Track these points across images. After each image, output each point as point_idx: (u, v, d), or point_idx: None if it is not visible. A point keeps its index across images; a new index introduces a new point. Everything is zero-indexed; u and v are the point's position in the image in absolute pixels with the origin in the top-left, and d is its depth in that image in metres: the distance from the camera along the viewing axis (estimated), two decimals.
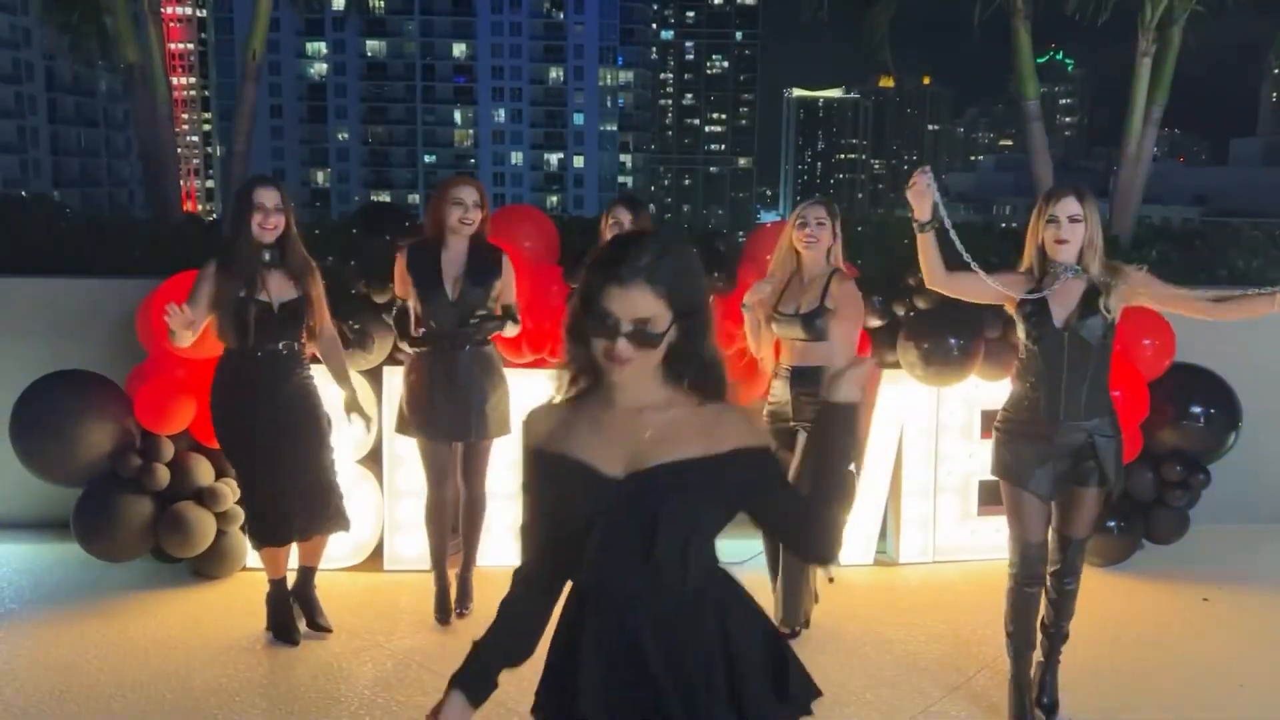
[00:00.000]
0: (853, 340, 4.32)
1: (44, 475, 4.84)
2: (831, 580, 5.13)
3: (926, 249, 3.60)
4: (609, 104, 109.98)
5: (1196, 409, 5.28)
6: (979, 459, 5.36)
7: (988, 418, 5.36)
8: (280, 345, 4.12)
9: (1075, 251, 3.51)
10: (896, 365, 5.24)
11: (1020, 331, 3.61)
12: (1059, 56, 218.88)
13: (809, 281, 4.28)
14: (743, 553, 5.38)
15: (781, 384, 4.32)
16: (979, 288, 3.62)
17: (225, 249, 4.10)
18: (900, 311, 5.22)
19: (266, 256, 4.07)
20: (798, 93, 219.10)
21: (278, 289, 4.10)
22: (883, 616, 4.73)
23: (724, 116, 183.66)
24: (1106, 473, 3.58)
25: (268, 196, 4.03)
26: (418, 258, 4.34)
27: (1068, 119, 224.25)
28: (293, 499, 4.17)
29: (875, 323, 5.23)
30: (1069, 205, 3.48)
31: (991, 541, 5.42)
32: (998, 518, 5.43)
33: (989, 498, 5.43)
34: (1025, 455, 3.60)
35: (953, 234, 3.56)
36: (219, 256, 4.09)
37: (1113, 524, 5.21)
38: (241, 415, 4.16)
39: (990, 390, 5.31)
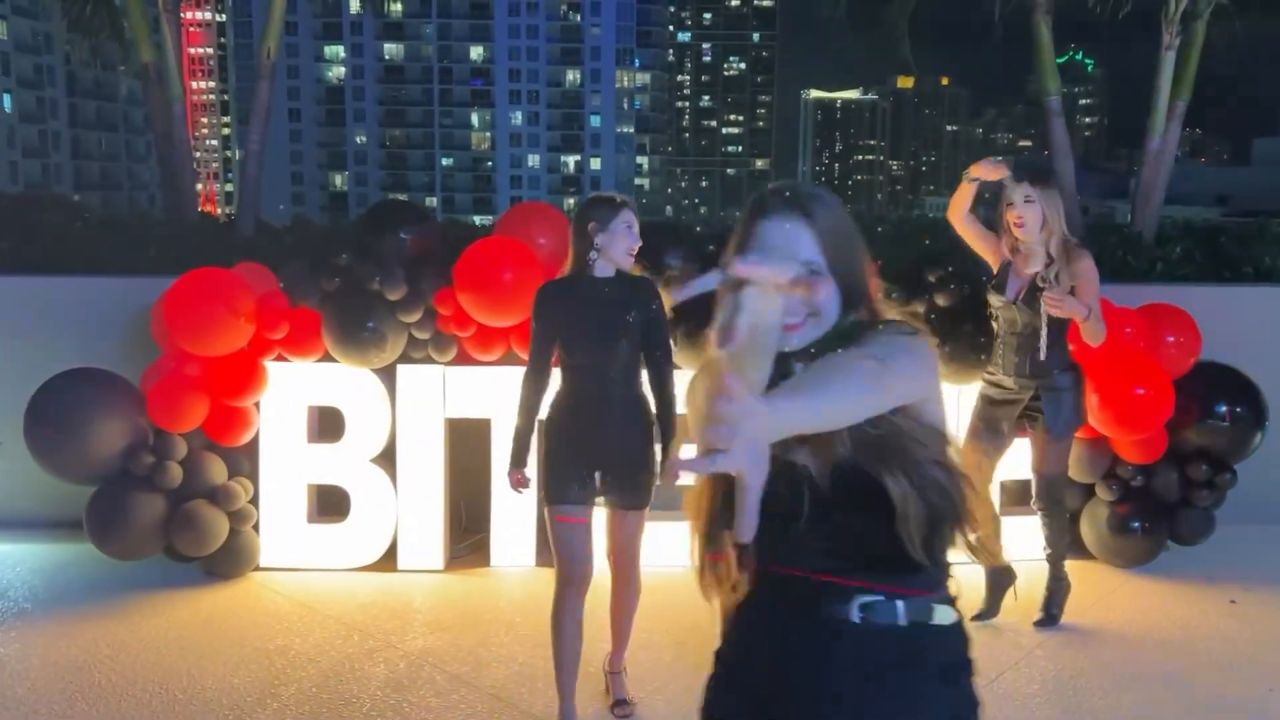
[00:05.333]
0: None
1: (57, 473, 4.82)
2: None
3: (965, 193, 4.29)
4: (626, 106, 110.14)
5: (1222, 408, 5.18)
6: (1001, 459, 5.26)
7: None
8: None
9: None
10: None
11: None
12: (1079, 57, 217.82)
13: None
14: None
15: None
16: (982, 241, 4.40)
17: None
18: (920, 309, 5.14)
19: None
20: (815, 94, 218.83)
21: None
22: None
23: (741, 118, 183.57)
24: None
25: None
26: None
27: (1088, 119, 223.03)
28: None
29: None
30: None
31: (1013, 543, 5.32)
32: (1019, 518, 5.36)
33: (1011, 499, 5.34)
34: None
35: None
36: None
37: (1137, 525, 5.12)
38: None
39: None
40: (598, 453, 3.49)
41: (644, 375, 3.60)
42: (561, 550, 3.52)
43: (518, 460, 3.63)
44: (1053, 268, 4.13)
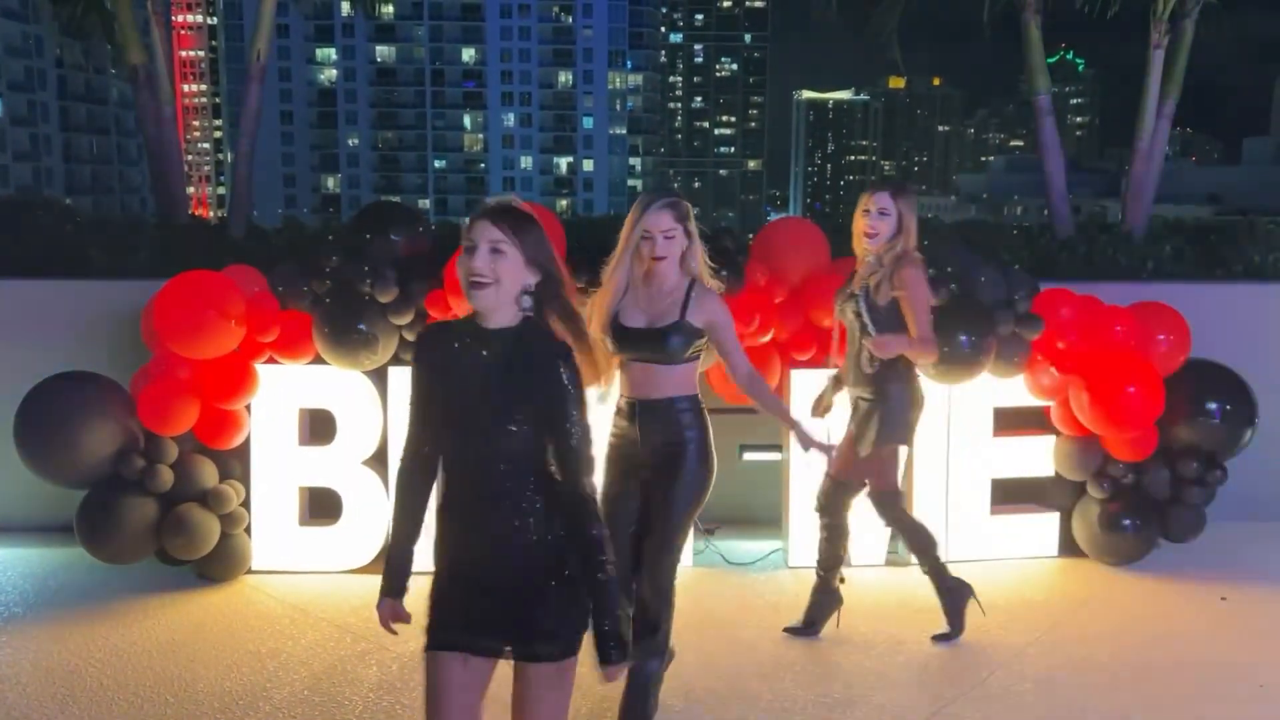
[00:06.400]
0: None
1: (47, 477, 4.81)
2: (843, 581, 5.06)
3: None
4: (618, 107, 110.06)
5: (1213, 405, 5.20)
6: (992, 458, 5.28)
7: (1001, 415, 5.30)
8: None
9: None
10: None
11: None
12: (1069, 56, 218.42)
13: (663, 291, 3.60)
14: (752, 554, 5.34)
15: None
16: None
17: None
18: None
19: None
20: (807, 95, 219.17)
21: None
22: (894, 617, 4.66)
23: (733, 119, 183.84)
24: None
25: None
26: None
27: (1078, 119, 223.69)
28: None
29: None
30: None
31: (1005, 542, 5.34)
32: (1011, 516, 5.38)
33: (1002, 497, 5.35)
34: None
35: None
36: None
37: (1128, 522, 5.13)
38: None
39: (1003, 387, 5.24)
40: (486, 578, 2.45)
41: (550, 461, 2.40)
42: (428, 708, 2.52)
43: (390, 586, 2.62)
44: (876, 275, 4.04)
